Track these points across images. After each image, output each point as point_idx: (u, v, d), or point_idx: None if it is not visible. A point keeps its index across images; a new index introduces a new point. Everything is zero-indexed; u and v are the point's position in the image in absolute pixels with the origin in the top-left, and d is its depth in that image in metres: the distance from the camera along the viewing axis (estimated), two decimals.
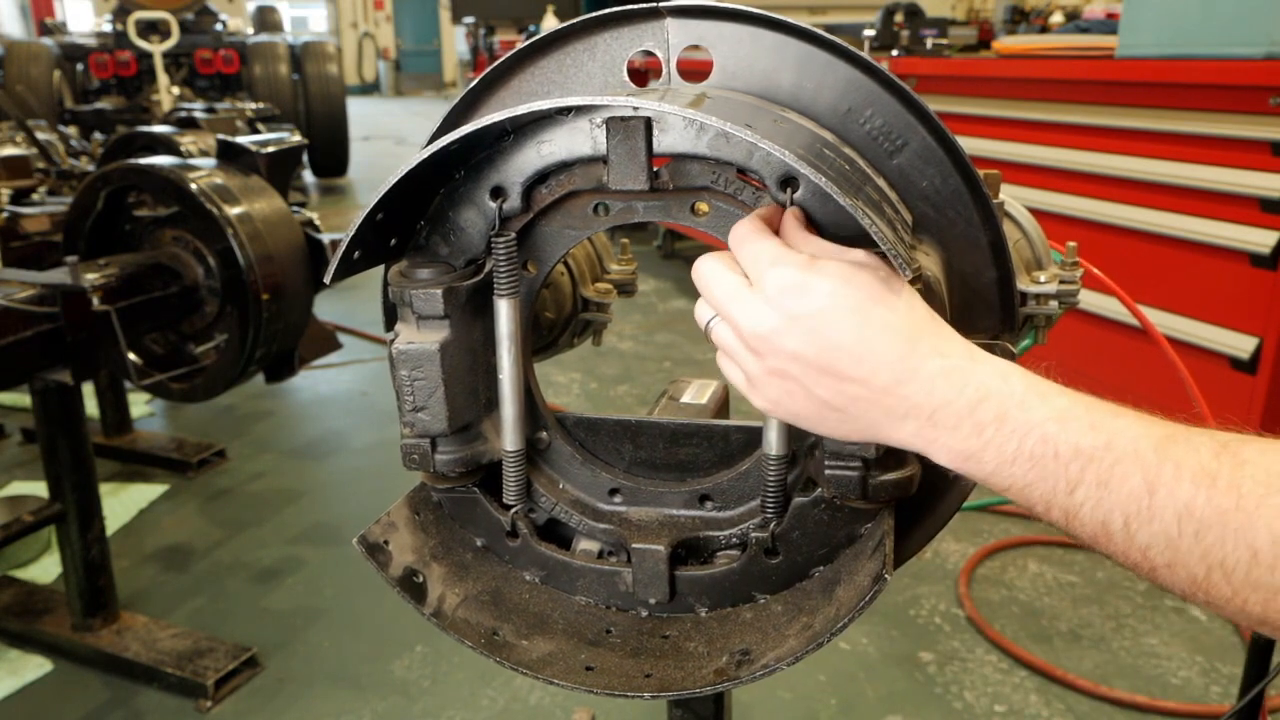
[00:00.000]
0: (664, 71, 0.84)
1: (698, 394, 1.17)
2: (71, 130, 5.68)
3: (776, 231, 0.74)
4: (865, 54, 0.77)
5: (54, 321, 2.29)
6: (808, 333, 0.68)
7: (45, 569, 3.13)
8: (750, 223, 0.74)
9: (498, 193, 0.85)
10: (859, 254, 0.71)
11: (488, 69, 0.86)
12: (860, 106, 0.78)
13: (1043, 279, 0.96)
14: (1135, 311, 1.24)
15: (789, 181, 0.76)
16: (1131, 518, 0.63)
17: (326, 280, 0.81)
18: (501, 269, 0.84)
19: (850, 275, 0.68)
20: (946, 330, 0.70)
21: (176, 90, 8.36)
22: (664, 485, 0.94)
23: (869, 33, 4.71)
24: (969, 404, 0.66)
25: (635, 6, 0.82)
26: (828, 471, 0.78)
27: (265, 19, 11.93)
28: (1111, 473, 0.63)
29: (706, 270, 0.74)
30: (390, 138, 15.67)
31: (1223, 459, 0.61)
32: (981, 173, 0.79)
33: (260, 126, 4.81)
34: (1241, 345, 2.96)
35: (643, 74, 0.88)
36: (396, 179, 0.77)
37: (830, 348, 0.68)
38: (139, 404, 4.46)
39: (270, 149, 2.53)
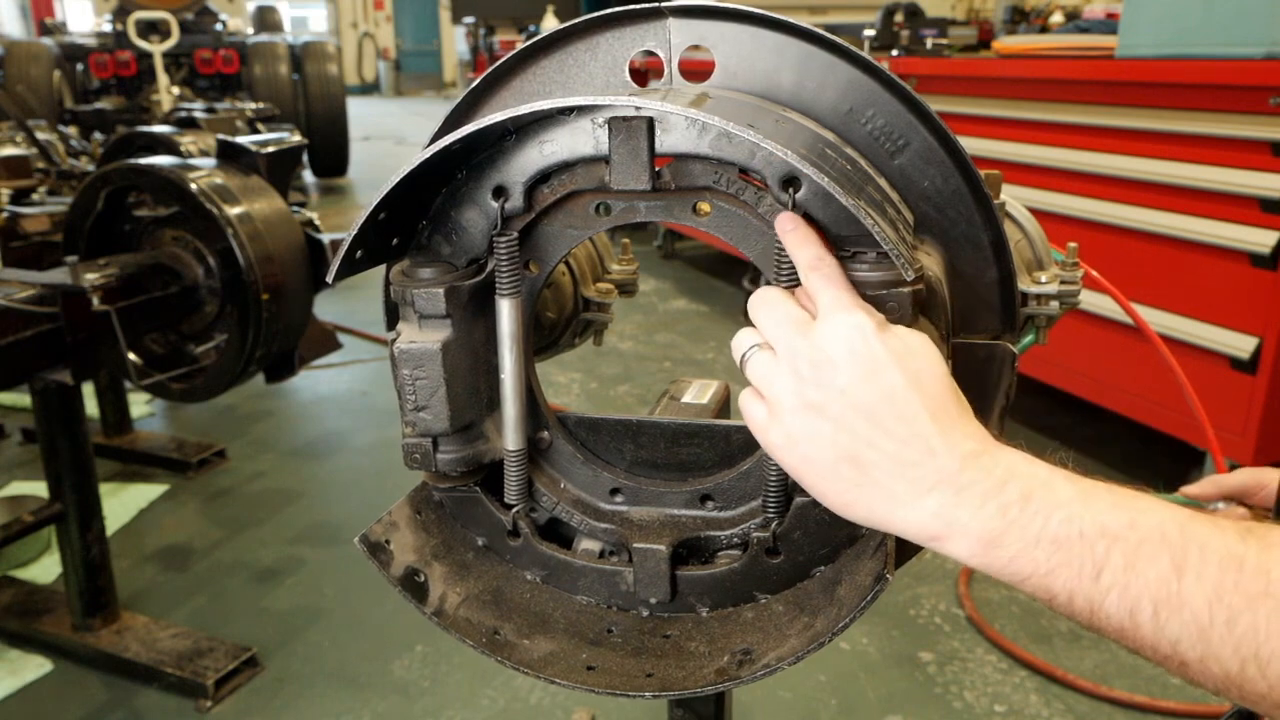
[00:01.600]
0: (666, 71, 0.84)
1: (699, 394, 1.18)
2: (71, 130, 5.67)
3: None
4: (866, 54, 0.77)
5: (54, 321, 2.29)
6: (865, 374, 0.67)
7: (45, 569, 3.13)
8: (831, 266, 0.72)
9: (500, 192, 0.85)
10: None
11: (489, 69, 0.86)
12: (862, 107, 0.78)
13: (1043, 279, 0.96)
14: (1131, 312, 1.24)
15: (791, 182, 0.76)
16: (1161, 604, 0.60)
17: (329, 279, 0.81)
18: (503, 269, 0.84)
19: (918, 344, 0.69)
20: (973, 416, 0.70)
21: (176, 90, 8.35)
22: (665, 485, 0.94)
23: (869, 33, 4.71)
24: (996, 483, 0.65)
25: (637, 6, 0.83)
26: None
27: (265, 19, 11.92)
28: (1138, 553, 0.61)
29: (772, 296, 0.73)
30: (390, 138, 15.66)
31: (1249, 542, 0.60)
32: (982, 173, 0.79)
33: (260, 126, 4.80)
34: (1241, 345, 2.96)
35: (644, 74, 0.88)
36: (399, 178, 0.77)
37: (881, 397, 0.66)
38: (139, 404, 4.46)
39: (270, 149, 2.53)
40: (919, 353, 0.69)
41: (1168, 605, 0.60)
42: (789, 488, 0.86)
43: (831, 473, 0.69)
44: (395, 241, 0.86)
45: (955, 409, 0.68)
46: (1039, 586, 0.64)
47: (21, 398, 4.07)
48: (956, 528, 0.65)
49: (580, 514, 0.94)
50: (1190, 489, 1.28)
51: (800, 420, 0.69)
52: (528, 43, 0.85)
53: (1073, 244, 1.01)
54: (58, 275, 2.27)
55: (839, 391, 0.67)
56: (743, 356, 0.74)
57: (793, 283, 0.76)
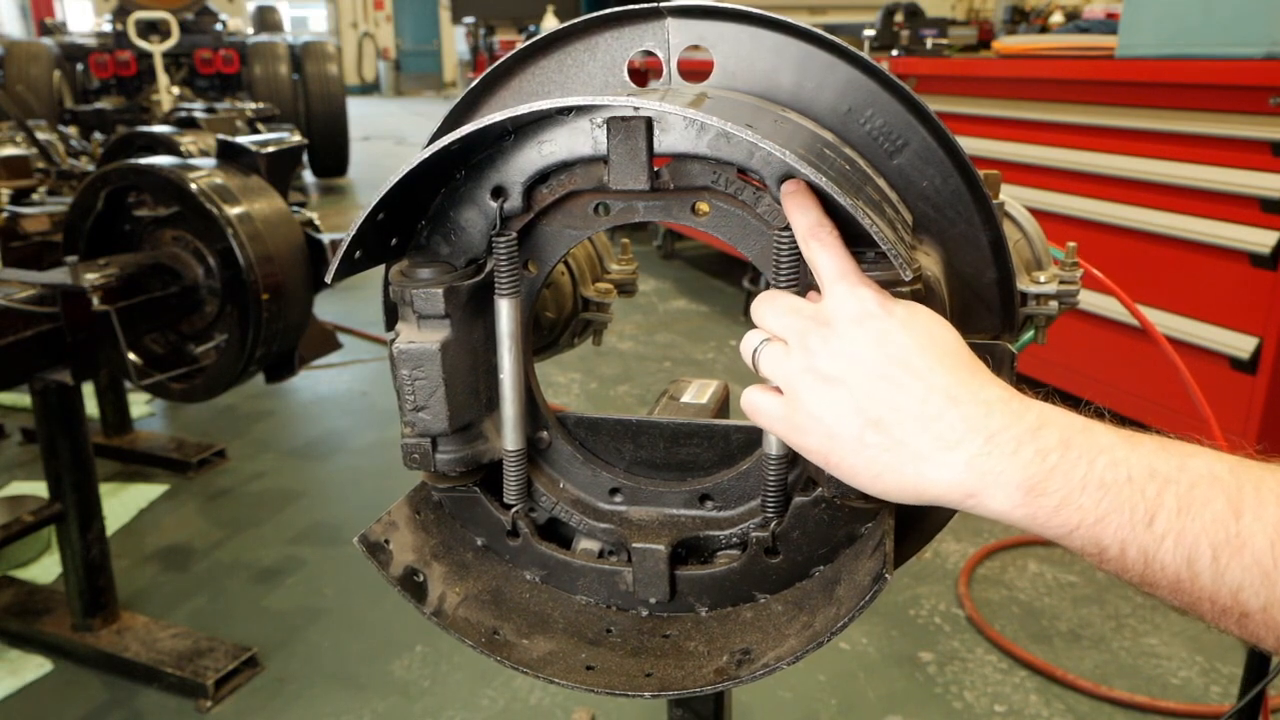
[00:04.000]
0: (664, 71, 0.84)
1: (698, 394, 1.18)
2: (71, 130, 5.67)
3: None
4: (865, 54, 0.77)
5: (54, 321, 2.29)
6: (877, 338, 0.66)
7: (45, 569, 3.13)
8: (830, 234, 0.72)
9: (498, 192, 0.85)
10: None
11: (488, 69, 0.86)
12: (860, 107, 0.78)
13: (1042, 279, 0.96)
14: (1135, 312, 1.24)
15: (789, 181, 0.76)
16: (1220, 548, 0.57)
17: (328, 280, 0.81)
18: (502, 269, 0.84)
19: (924, 310, 0.70)
20: (994, 375, 0.69)
21: (176, 90, 8.35)
22: (664, 485, 0.94)
23: (869, 33, 4.71)
24: (1030, 428, 0.62)
25: (636, 6, 0.83)
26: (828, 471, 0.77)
27: (265, 19, 11.93)
28: (1191, 495, 0.58)
29: (773, 294, 0.75)
30: (390, 138, 15.67)
31: None
32: (981, 173, 0.79)
33: (260, 126, 4.81)
34: (1241, 345, 2.96)
35: (643, 74, 0.88)
36: (398, 179, 0.77)
37: (895, 358, 0.66)
38: (139, 404, 4.46)
39: (270, 149, 2.53)
40: (927, 316, 0.69)
41: (1228, 548, 0.57)
42: (788, 487, 0.86)
43: (858, 443, 0.66)
44: (394, 241, 0.86)
45: (972, 364, 0.67)
46: (1088, 539, 0.60)
47: (21, 398, 4.07)
48: (992, 477, 0.61)
49: (579, 514, 0.94)
50: None
51: (818, 395, 0.68)
52: (527, 43, 0.85)
53: (1072, 244, 1.01)
54: (58, 275, 2.27)
55: (852, 359, 0.66)
56: (753, 352, 0.74)
57: (793, 284, 0.76)
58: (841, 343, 0.67)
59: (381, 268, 0.89)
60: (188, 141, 2.96)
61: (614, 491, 0.95)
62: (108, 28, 9.30)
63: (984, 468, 0.62)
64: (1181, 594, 0.59)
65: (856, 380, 0.66)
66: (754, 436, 0.91)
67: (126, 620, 2.75)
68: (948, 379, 0.65)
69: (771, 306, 0.73)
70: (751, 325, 0.76)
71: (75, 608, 2.68)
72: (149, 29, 8.24)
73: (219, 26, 9.65)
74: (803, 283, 0.76)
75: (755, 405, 0.73)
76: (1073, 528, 0.60)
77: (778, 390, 0.72)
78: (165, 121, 4.18)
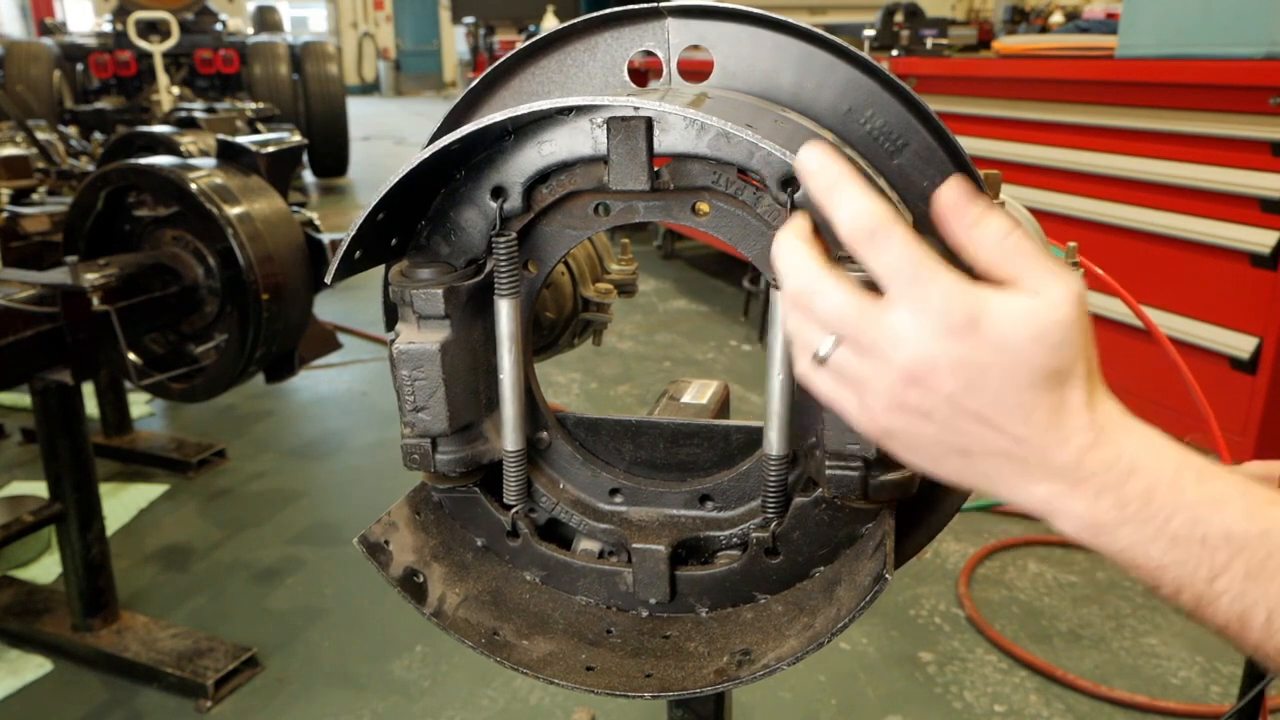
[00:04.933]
0: (664, 71, 0.84)
1: (698, 394, 1.18)
2: (71, 130, 5.67)
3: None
4: (865, 54, 0.77)
5: (54, 321, 2.29)
6: (969, 382, 0.60)
7: (45, 569, 3.13)
8: (889, 226, 0.62)
9: (498, 193, 0.85)
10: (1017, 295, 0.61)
11: (488, 69, 0.86)
12: (861, 107, 0.78)
13: None
14: (1138, 311, 1.23)
15: (790, 182, 0.76)
16: (1276, 613, 0.59)
17: (328, 280, 0.81)
18: (502, 269, 0.84)
19: (1012, 316, 0.60)
20: (1098, 387, 0.63)
21: (176, 90, 8.36)
22: (664, 485, 0.94)
23: (869, 33, 4.71)
24: (1117, 478, 0.61)
25: (636, 6, 0.82)
26: (828, 472, 0.77)
27: (265, 19, 11.93)
28: (1264, 566, 0.59)
29: (817, 283, 0.64)
30: (390, 138, 15.67)
31: None
32: (982, 173, 0.79)
33: (260, 126, 4.81)
34: (1241, 345, 2.96)
35: (643, 74, 0.88)
36: (397, 179, 0.77)
37: (989, 402, 0.61)
38: (139, 404, 4.46)
39: (270, 149, 2.53)
40: (1020, 327, 0.59)
41: None
42: (788, 488, 0.86)
43: (935, 461, 0.65)
44: (394, 242, 0.86)
45: (1072, 393, 0.61)
46: (1146, 575, 0.62)
47: (21, 398, 4.07)
48: (1067, 513, 0.62)
49: (579, 514, 0.93)
50: None
51: (900, 421, 0.64)
52: (527, 43, 0.85)
53: (1072, 243, 1.01)
54: (58, 275, 2.27)
55: (942, 398, 0.61)
56: (820, 356, 0.65)
57: None
58: (930, 381, 0.61)
59: (381, 268, 0.89)
60: (188, 141, 2.96)
61: (614, 492, 0.95)
62: (108, 28, 9.31)
63: (1061, 506, 0.62)
64: (1228, 635, 0.61)
65: (944, 418, 0.62)
66: (754, 437, 0.91)
67: (126, 620, 2.75)
68: (1043, 423, 0.61)
69: (826, 303, 0.64)
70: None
71: (75, 608, 2.68)
72: (149, 29, 8.24)
73: (219, 26, 9.65)
74: None
75: (837, 398, 0.67)
76: (1134, 566, 0.62)
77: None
78: (165, 121, 4.18)
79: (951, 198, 0.62)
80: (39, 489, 3.07)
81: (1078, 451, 0.61)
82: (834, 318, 0.63)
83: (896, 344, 0.61)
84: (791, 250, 0.65)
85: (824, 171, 0.63)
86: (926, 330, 0.60)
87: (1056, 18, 5.89)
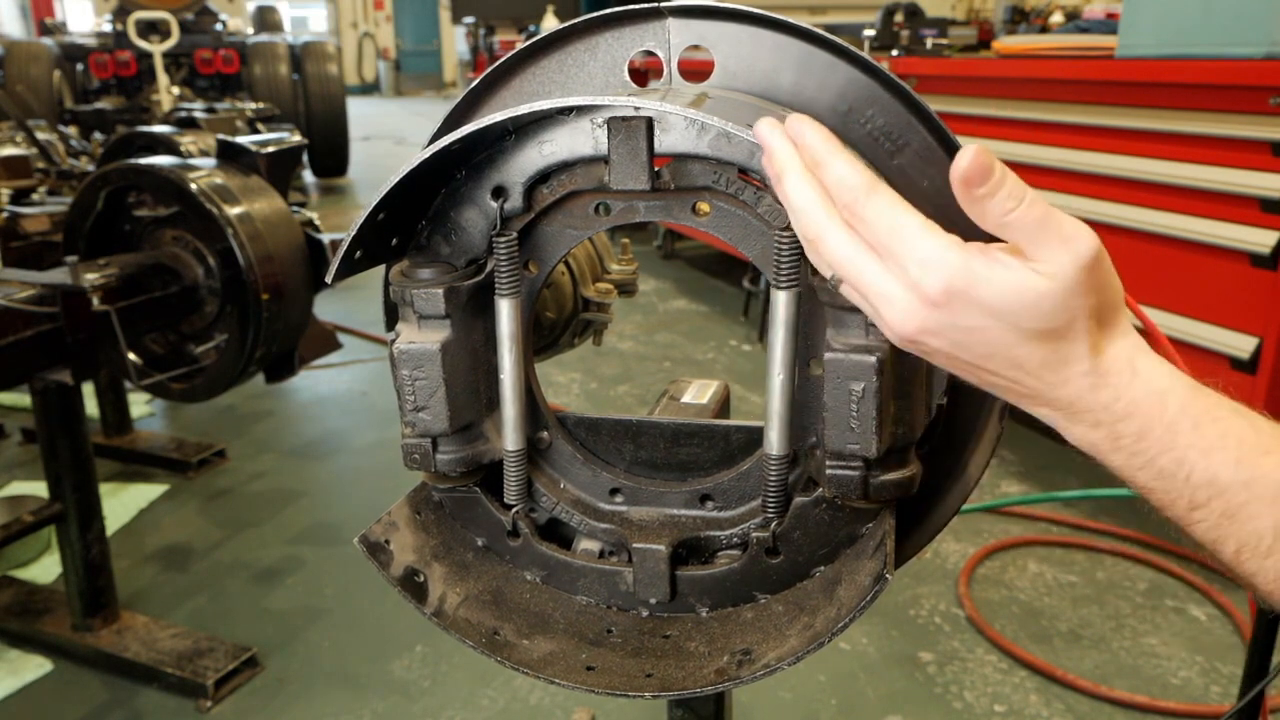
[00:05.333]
0: (665, 71, 0.84)
1: (698, 394, 1.18)
2: (71, 130, 5.67)
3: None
4: (865, 54, 0.77)
5: (54, 321, 2.29)
6: (958, 341, 0.65)
7: (45, 569, 3.13)
8: (875, 191, 0.65)
9: (499, 192, 0.85)
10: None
11: (489, 69, 0.86)
12: (861, 106, 0.78)
13: None
14: (1137, 311, 1.23)
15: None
16: (1246, 548, 0.64)
17: (328, 280, 0.80)
18: (503, 269, 0.84)
19: (1006, 288, 0.62)
20: (1111, 329, 0.66)
21: (176, 90, 8.36)
22: (665, 485, 0.94)
23: (869, 33, 4.71)
24: (1113, 416, 0.65)
25: (636, 6, 0.82)
26: (829, 472, 0.77)
27: (265, 19, 11.93)
28: (1241, 509, 0.63)
29: (829, 235, 0.66)
30: (390, 138, 15.67)
31: None
32: None
33: (260, 126, 4.81)
34: (1241, 345, 2.96)
35: (644, 74, 0.88)
36: (398, 179, 0.77)
37: (981, 356, 0.65)
38: (139, 404, 4.46)
39: (270, 149, 2.53)
40: (1012, 301, 0.62)
41: (1254, 551, 0.63)
42: (789, 488, 0.86)
43: (945, 367, 0.70)
44: (395, 242, 0.86)
45: (1071, 345, 0.64)
46: (1132, 487, 0.67)
47: (21, 398, 4.07)
48: (1066, 433, 0.68)
49: (580, 514, 0.93)
50: None
51: (910, 347, 0.68)
52: (527, 43, 0.85)
53: None
54: (58, 275, 2.27)
55: (934, 350, 0.67)
56: (826, 279, 0.69)
57: (793, 284, 0.76)
58: (913, 336, 0.65)
59: (382, 268, 0.89)
60: (188, 141, 2.96)
61: (614, 492, 0.95)
62: (108, 28, 9.31)
63: (1060, 426, 0.68)
64: (1202, 553, 0.67)
65: (943, 360, 0.68)
66: (754, 437, 0.91)
67: (126, 620, 2.75)
68: (1035, 369, 0.65)
69: (829, 247, 0.67)
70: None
71: (75, 608, 2.68)
72: (149, 29, 8.24)
73: (219, 26, 9.66)
74: (804, 283, 0.76)
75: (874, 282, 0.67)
76: (1121, 480, 0.68)
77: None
78: (165, 121, 4.18)
79: (964, 168, 0.64)
80: (39, 489, 3.07)
81: (1075, 393, 0.65)
82: (836, 262, 0.67)
83: (888, 303, 0.65)
84: (798, 190, 0.67)
85: (780, 151, 0.67)
86: (909, 300, 0.64)
87: (1056, 18, 5.89)
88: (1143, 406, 0.65)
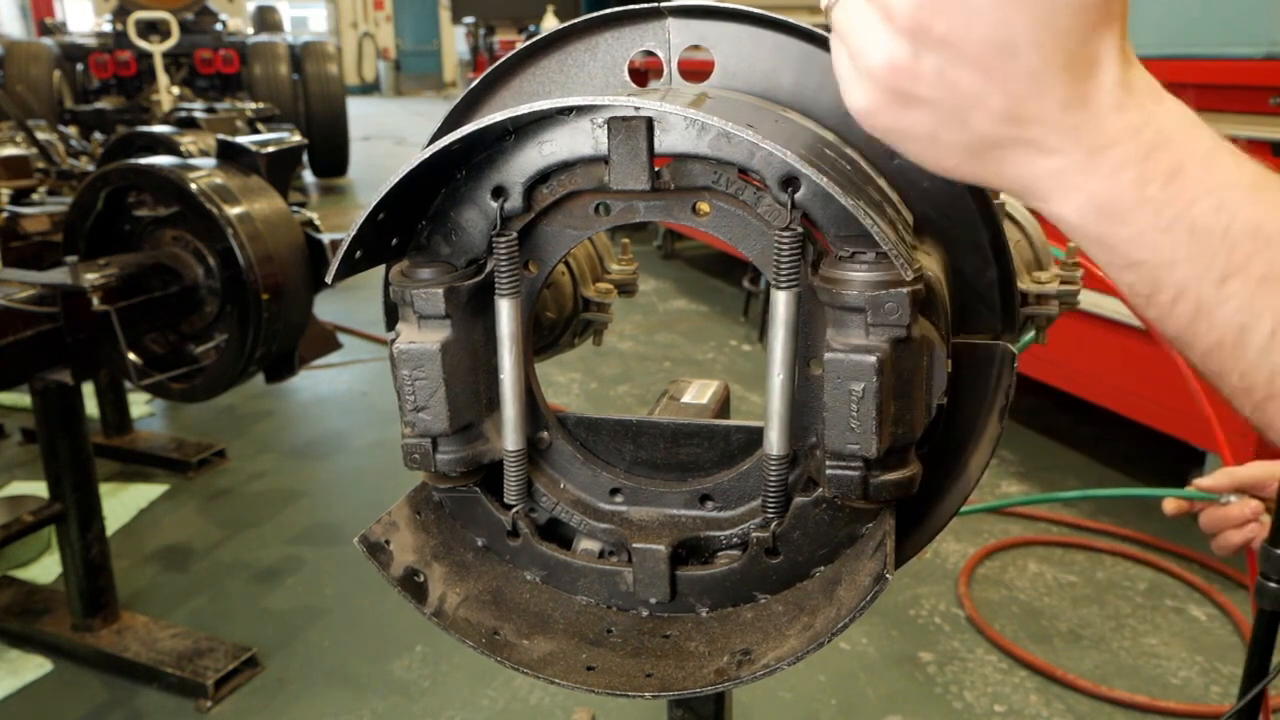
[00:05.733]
0: (665, 71, 0.84)
1: (698, 394, 1.18)
2: (71, 130, 5.67)
3: None
4: None
5: (54, 321, 2.29)
6: (970, 14, 0.51)
7: (45, 569, 3.13)
8: None
9: (499, 192, 0.85)
10: None
11: (489, 69, 0.86)
12: None
13: (1043, 279, 0.96)
14: (1138, 313, 1.23)
15: (790, 181, 0.76)
16: None
17: (328, 280, 0.81)
18: (503, 269, 0.84)
19: None
20: (1126, 45, 0.54)
21: (176, 90, 8.36)
22: (665, 485, 0.94)
23: None
24: (1142, 149, 0.52)
25: (636, 6, 0.83)
26: (829, 472, 0.77)
27: (265, 19, 11.94)
28: None
29: None
30: (390, 138, 15.67)
31: None
32: None
33: (260, 126, 4.81)
34: None
35: (644, 74, 0.88)
36: (398, 179, 0.77)
37: (995, 45, 0.51)
38: (139, 404, 4.46)
39: (270, 149, 2.53)
40: None
41: None
42: (789, 488, 0.86)
43: (929, 142, 0.58)
44: (395, 242, 0.86)
45: (1097, 41, 0.52)
46: (1144, 277, 0.54)
47: (21, 398, 4.07)
48: (1074, 190, 0.54)
49: (580, 514, 0.93)
50: (1203, 481, 1.28)
51: (893, 96, 0.57)
52: (527, 43, 0.85)
53: (1072, 244, 1.01)
54: (58, 275, 2.27)
55: (939, 42, 0.52)
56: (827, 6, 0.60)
57: (793, 284, 0.76)
58: (930, 20, 0.52)
59: (382, 268, 0.89)
60: (188, 141, 2.96)
61: (614, 492, 0.95)
62: (108, 28, 9.31)
63: (1070, 181, 0.54)
64: (1215, 359, 0.54)
65: (940, 102, 0.55)
66: (754, 437, 0.91)
67: (126, 620, 2.75)
68: (1061, 73, 0.52)
69: None
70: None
71: (75, 608, 2.68)
72: (149, 29, 8.25)
73: (219, 26, 9.66)
74: (804, 283, 0.76)
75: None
76: (1134, 262, 0.54)
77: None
78: (165, 121, 4.18)
79: None
80: (39, 489, 3.07)
81: (1098, 117, 0.52)
82: None
83: (867, 31, 0.56)
84: None
85: None
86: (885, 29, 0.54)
87: None
88: (1176, 136, 0.53)
